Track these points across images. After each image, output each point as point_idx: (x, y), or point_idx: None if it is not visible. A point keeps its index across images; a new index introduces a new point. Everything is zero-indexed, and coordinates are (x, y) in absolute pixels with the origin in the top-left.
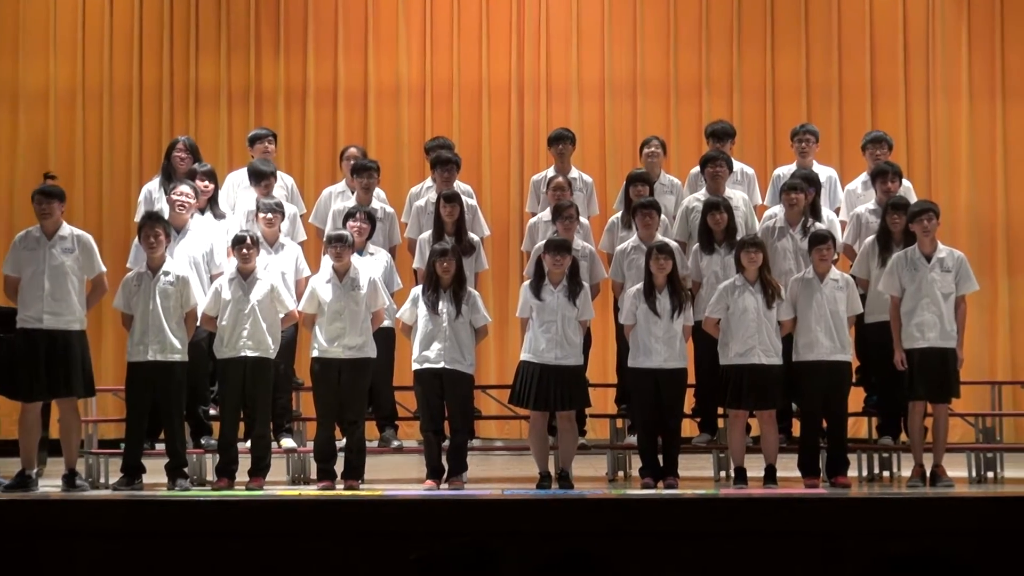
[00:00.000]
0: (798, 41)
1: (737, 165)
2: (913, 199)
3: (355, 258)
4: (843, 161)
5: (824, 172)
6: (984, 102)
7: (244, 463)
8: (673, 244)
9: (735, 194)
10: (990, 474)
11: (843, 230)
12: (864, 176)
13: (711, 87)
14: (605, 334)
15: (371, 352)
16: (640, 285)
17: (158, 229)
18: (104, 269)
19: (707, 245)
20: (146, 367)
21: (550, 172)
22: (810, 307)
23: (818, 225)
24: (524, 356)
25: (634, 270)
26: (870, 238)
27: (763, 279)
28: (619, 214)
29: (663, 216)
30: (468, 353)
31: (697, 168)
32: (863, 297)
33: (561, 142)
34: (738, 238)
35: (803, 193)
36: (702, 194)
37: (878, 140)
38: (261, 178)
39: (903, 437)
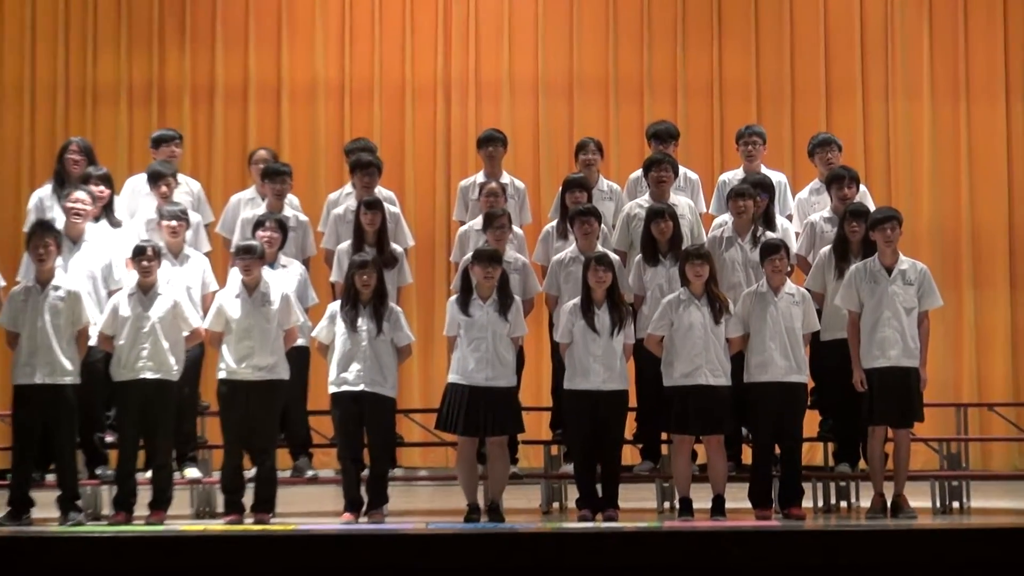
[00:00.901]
0: (747, 36)
1: (681, 170)
2: (870, 205)
3: (266, 271)
4: (796, 165)
5: (773, 177)
6: (947, 102)
7: (144, 495)
8: (613, 255)
9: (680, 201)
10: (955, 504)
11: (796, 240)
12: (814, 183)
13: (653, 86)
14: (539, 353)
15: (283, 373)
16: (577, 300)
17: (48, 239)
18: (3, 284)
19: (650, 256)
20: (34, 390)
21: (479, 177)
22: (764, 323)
23: (769, 234)
24: (451, 377)
25: (571, 283)
26: (825, 248)
27: (710, 293)
28: (554, 222)
29: (602, 225)
30: (390, 374)
31: (639, 172)
32: (818, 312)
33: (491, 144)
34: (683, 248)
35: (752, 200)
36: (644, 200)
37: (827, 143)
38: (159, 179)
39: (862, 464)
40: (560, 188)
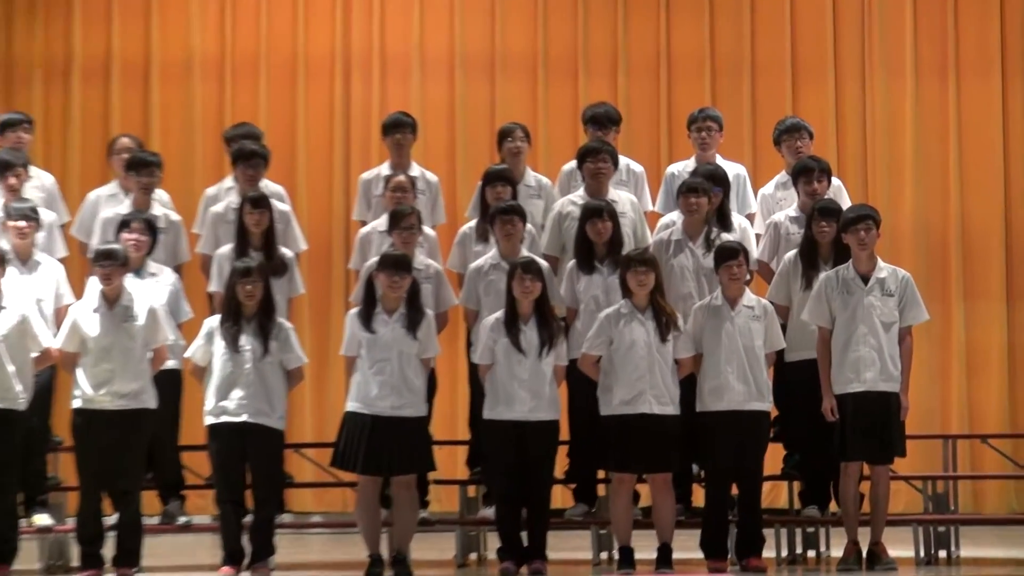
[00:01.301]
0: (699, 4)
1: (622, 160)
2: (846, 203)
3: (130, 280)
4: (757, 155)
5: (731, 169)
6: (933, 81)
7: None
8: (542, 261)
9: (621, 197)
10: (942, 553)
11: (758, 243)
12: (781, 176)
13: (589, 62)
14: (454, 377)
15: (150, 401)
16: (500, 314)
17: None
18: None
19: (585, 262)
20: None
21: (384, 169)
22: (719, 342)
23: (725, 236)
24: (350, 406)
25: (492, 294)
26: (791, 253)
27: (656, 305)
28: (473, 223)
29: (529, 225)
30: (278, 403)
31: (573, 163)
32: (783, 328)
33: (399, 130)
34: (624, 253)
35: (706, 196)
36: (579, 196)
37: (795, 129)
38: (6, 170)
39: (833, 507)
40: (480, 182)
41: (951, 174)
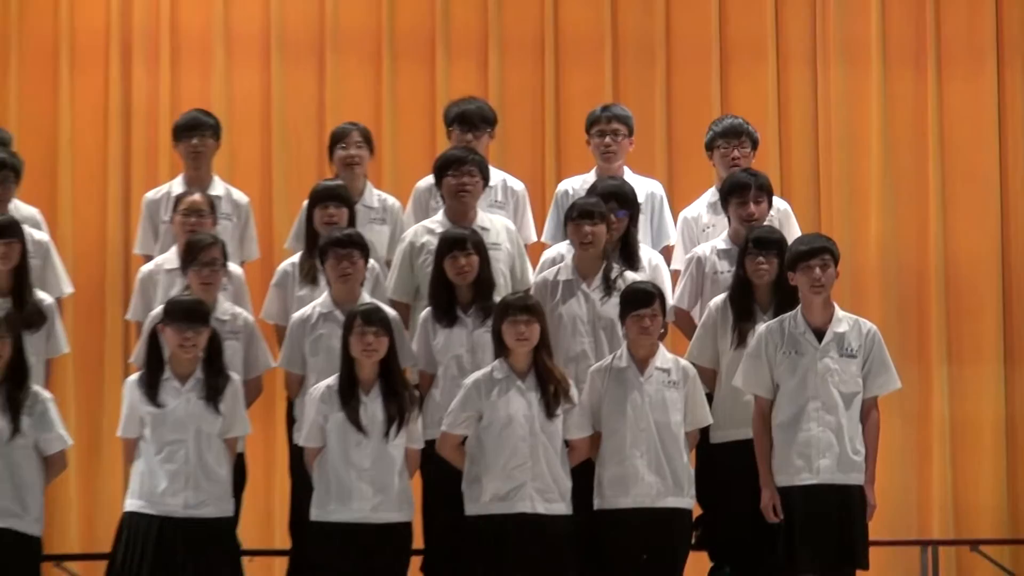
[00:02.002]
0: None
1: (497, 175)
2: (794, 232)
3: None
4: (674, 167)
5: (643, 186)
6: (907, 71)
7: None
8: (388, 309)
9: (495, 223)
10: None
11: (675, 284)
12: (710, 194)
13: (451, 41)
14: (270, 464)
15: None
16: (332, 380)
17: None
18: None
19: (445, 311)
20: None
21: (176, 186)
22: (623, 417)
23: (631, 276)
24: (131, 504)
25: (322, 353)
26: (718, 298)
27: (540, 369)
28: (295, 258)
29: (372, 260)
30: (32, 500)
31: (429, 179)
32: (708, 399)
33: (196, 133)
34: (498, 298)
35: (603, 222)
36: (437, 223)
37: (734, 132)
38: None
39: None
40: (305, 202)
41: (931, 195)
